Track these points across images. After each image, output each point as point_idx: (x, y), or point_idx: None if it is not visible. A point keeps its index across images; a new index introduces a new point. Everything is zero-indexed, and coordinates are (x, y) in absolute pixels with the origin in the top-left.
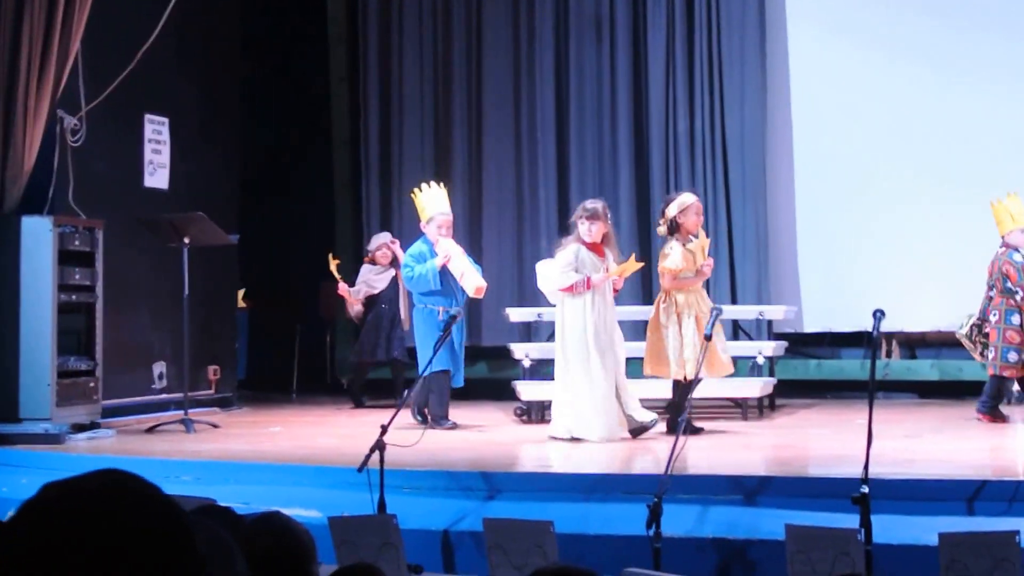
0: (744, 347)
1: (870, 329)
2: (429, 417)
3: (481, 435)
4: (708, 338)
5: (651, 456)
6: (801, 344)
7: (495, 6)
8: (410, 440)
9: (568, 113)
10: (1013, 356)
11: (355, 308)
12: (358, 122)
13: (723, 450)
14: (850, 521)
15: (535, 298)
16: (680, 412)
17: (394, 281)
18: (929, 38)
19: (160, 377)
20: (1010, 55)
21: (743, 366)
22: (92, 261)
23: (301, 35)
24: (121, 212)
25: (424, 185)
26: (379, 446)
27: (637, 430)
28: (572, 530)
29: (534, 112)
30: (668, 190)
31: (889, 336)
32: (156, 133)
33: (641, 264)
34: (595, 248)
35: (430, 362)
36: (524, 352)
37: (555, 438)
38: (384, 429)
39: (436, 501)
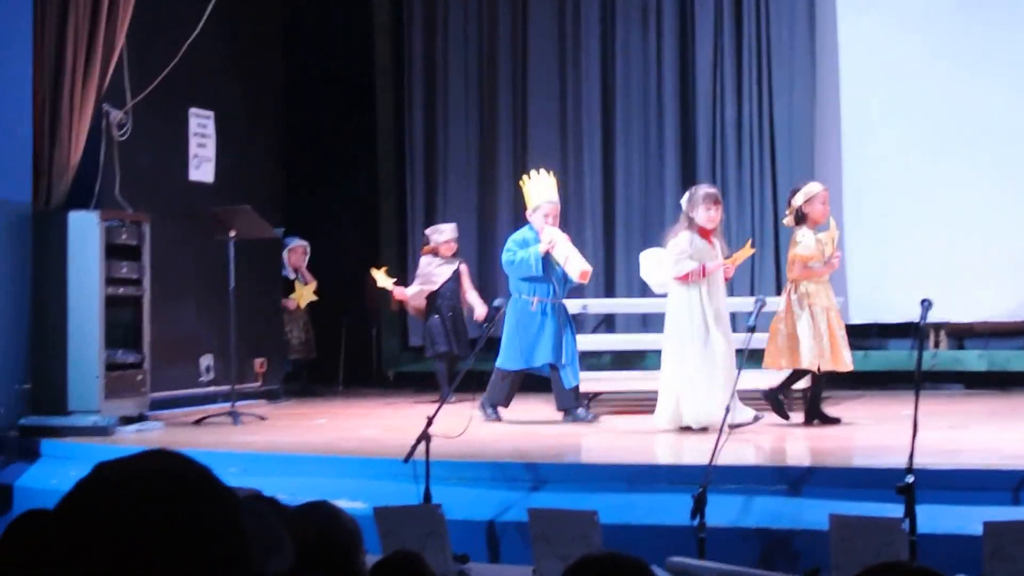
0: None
1: (917, 319)
2: (480, 402)
3: (525, 426)
4: (752, 329)
5: (695, 447)
6: (848, 335)
7: None
8: (455, 431)
9: (614, 102)
10: None
11: (415, 304)
12: (402, 114)
13: (768, 441)
14: (895, 511)
15: (580, 289)
16: (778, 396)
17: (456, 274)
18: (983, 25)
19: (207, 370)
20: None
21: None
22: (139, 255)
23: (345, 27)
24: (167, 205)
25: (533, 172)
26: (425, 437)
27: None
28: (616, 520)
29: (580, 102)
30: (714, 179)
31: (937, 326)
32: (201, 127)
33: (753, 250)
34: (705, 235)
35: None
36: None
37: (663, 430)
38: (430, 420)
39: (481, 492)
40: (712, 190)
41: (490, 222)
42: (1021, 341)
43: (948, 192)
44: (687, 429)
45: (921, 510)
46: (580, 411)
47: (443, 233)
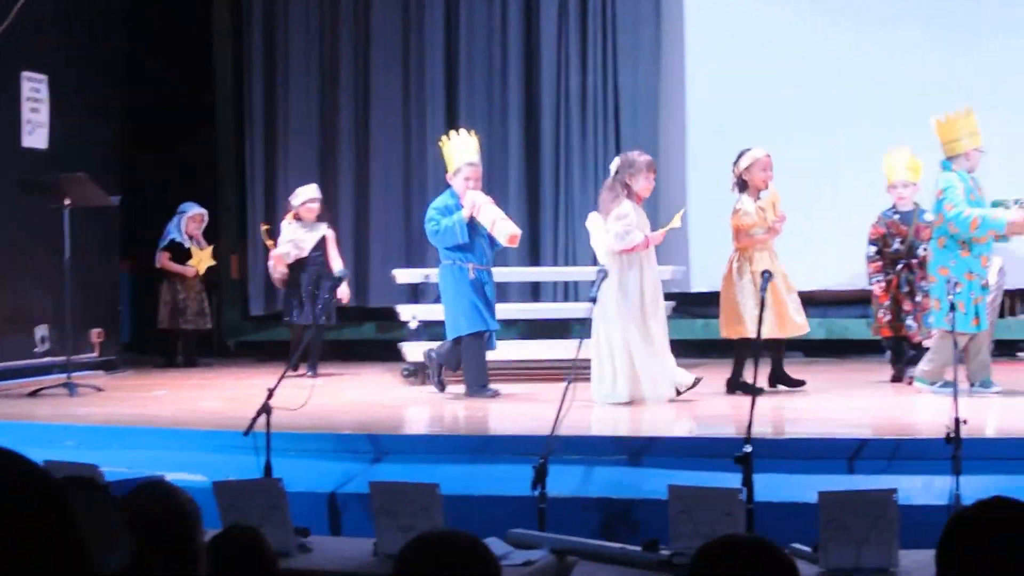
0: None
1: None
2: (465, 387)
3: (368, 397)
4: (593, 300)
5: (538, 417)
6: (689, 304)
7: None
8: (297, 402)
9: (458, 71)
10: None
11: (279, 270)
12: (241, 80)
13: (609, 411)
14: (733, 481)
15: (423, 259)
16: (739, 372)
17: (322, 240)
18: None
19: (42, 340)
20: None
21: None
22: None
23: None
24: None
25: (452, 132)
26: (265, 409)
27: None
28: (459, 491)
29: (423, 70)
30: (558, 149)
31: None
32: (34, 91)
33: (679, 224)
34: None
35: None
36: (411, 314)
37: (610, 403)
38: (271, 392)
39: (323, 464)
40: (650, 157)
41: (331, 188)
42: (859, 309)
43: (789, 162)
44: (627, 404)
45: (759, 479)
46: (490, 388)
47: (298, 196)
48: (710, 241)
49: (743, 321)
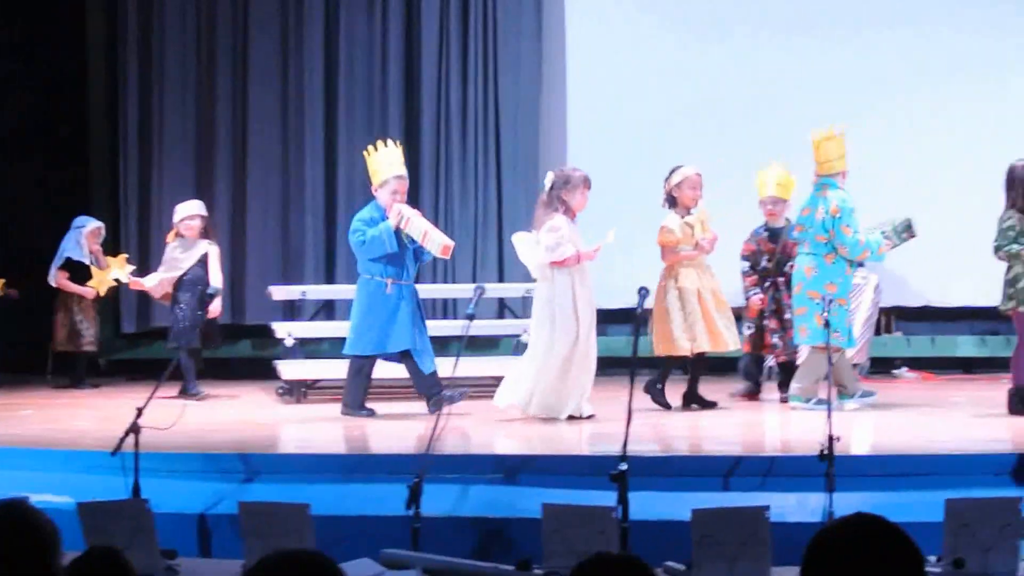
0: (510, 325)
1: (635, 306)
2: (342, 405)
3: (241, 415)
4: (471, 317)
5: (413, 436)
6: None
7: None
8: (167, 422)
9: (338, 86)
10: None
11: (159, 292)
12: (116, 94)
13: (486, 429)
14: (609, 499)
15: (300, 276)
16: (655, 386)
17: (203, 258)
18: (710, 6)
19: None
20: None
21: (507, 344)
22: None
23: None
24: None
25: (379, 144)
26: (134, 428)
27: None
28: (331, 512)
29: (302, 84)
30: (439, 163)
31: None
32: None
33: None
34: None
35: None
36: (287, 331)
37: (536, 417)
38: (139, 411)
39: (193, 484)
40: (585, 173)
41: (207, 204)
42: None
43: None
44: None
45: (634, 497)
46: (448, 392)
47: (177, 213)
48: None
49: (672, 338)
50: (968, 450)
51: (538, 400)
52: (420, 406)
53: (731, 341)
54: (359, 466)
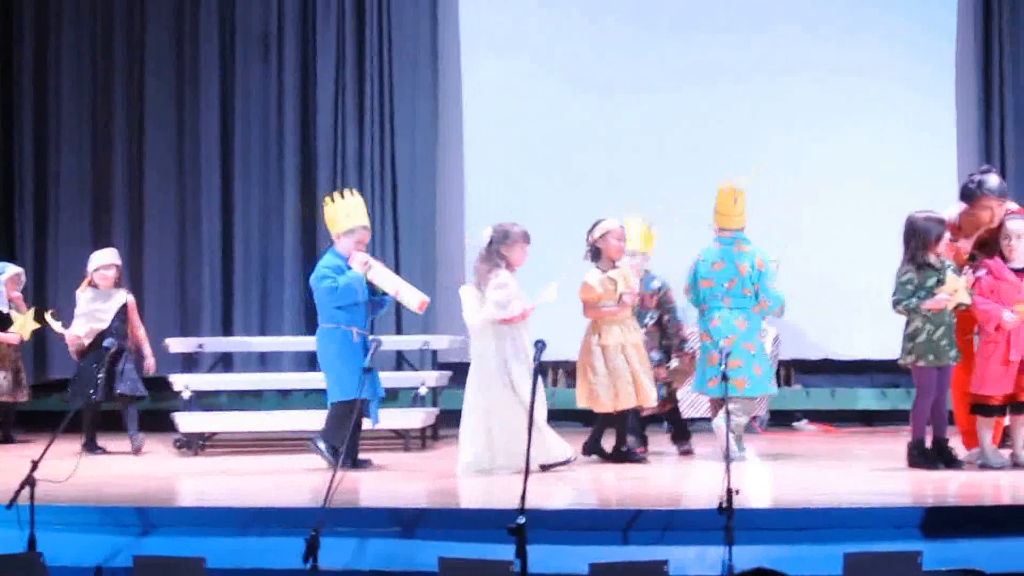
0: (407, 377)
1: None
2: (313, 439)
3: (138, 468)
4: (368, 371)
5: (311, 488)
6: (466, 374)
7: (158, 23)
8: (63, 474)
9: (233, 137)
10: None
11: (77, 345)
12: (11, 140)
13: (384, 482)
14: (507, 552)
15: (198, 328)
16: (622, 443)
17: (123, 308)
18: (600, 64)
19: None
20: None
21: (406, 396)
22: None
23: None
24: None
25: (342, 194)
26: (29, 481)
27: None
28: (227, 565)
29: (198, 134)
30: None
31: (555, 365)
32: None
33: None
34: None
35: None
36: (184, 383)
37: (479, 471)
38: (35, 464)
39: (89, 537)
40: (524, 228)
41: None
42: None
43: (566, 231)
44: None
45: (533, 551)
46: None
47: (92, 262)
48: None
49: (594, 395)
50: (868, 503)
51: (487, 455)
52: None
53: (654, 396)
54: (256, 519)
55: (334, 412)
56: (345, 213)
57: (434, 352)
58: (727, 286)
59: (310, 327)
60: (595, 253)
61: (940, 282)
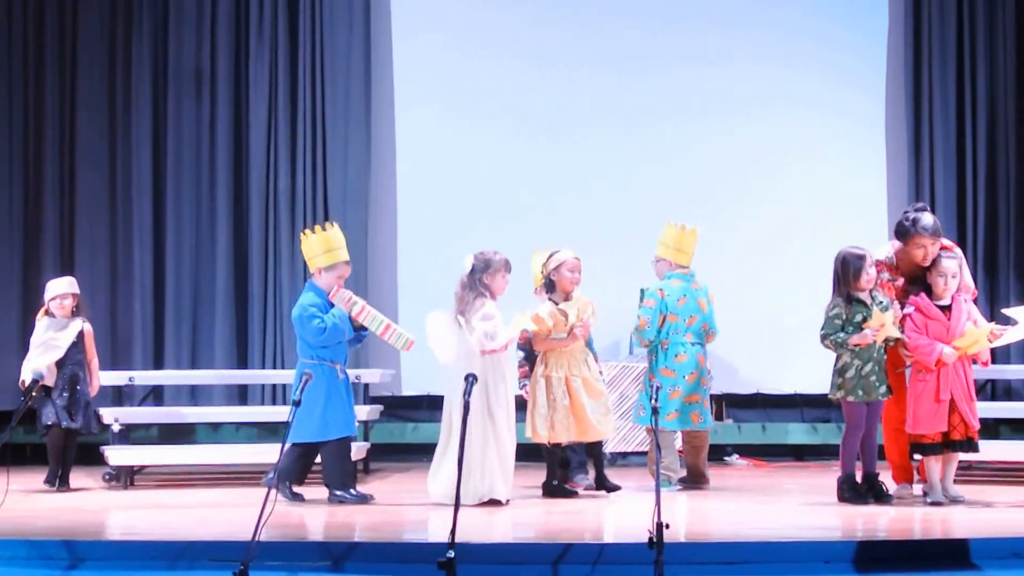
0: None
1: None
2: (329, 492)
3: (67, 501)
4: (297, 403)
5: (239, 522)
6: (398, 407)
7: (89, 57)
8: None
9: (165, 169)
10: None
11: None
12: None
13: (315, 515)
14: None
15: (128, 361)
16: (552, 477)
17: (79, 336)
18: (533, 97)
19: None
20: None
21: None
22: None
23: None
24: None
25: (321, 227)
26: None
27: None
28: None
29: (129, 168)
30: (267, 249)
31: None
32: None
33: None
34: None
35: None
36: (114, 416)
37: (465, 505)
38: None
39: (16, 571)
40: (506, 257)
41: (33, 291)
42: None
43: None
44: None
45: None
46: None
47: (48, 290)
48: (421, 344)
49: (533, 426)
50: (798, 538)
51: (486, 486)
52: (249, 491)
53: (605, 430)
54: (184, 553)
55: (329, 458)
56: (326, 248)
57: (366, 386)
58: (688, 322)
59: (241, 361)
60: (550, 285)
61: (868, 317)
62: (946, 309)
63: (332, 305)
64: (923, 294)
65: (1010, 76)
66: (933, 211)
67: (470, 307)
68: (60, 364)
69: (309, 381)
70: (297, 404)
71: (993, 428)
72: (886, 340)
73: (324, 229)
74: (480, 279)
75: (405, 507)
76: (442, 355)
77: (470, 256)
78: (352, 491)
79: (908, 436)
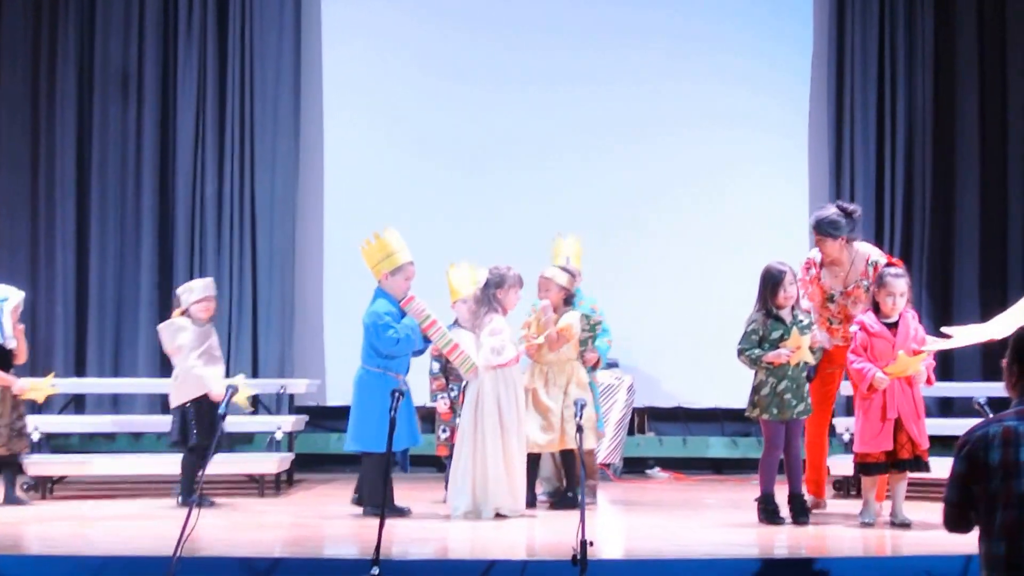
0: (263, 422)
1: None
2: (364, 507)
3: None
4: (223, 416)
5: (162, 535)
6: (323, 417)
7: (12, 59)
8: None
9: (90, 174)
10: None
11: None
12: None
13: (236, 530)
14: None
15: (48, 367)
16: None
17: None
18: (460, 113)
19: None
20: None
21: (261, 441)
22: None
23: None
24: None
25: (382, 232)
26: None
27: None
28: None
29: (53, 170)
30: (192, 256)
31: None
32: None
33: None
34: None
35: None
36: (34, 425)
37: (467, 516)
38: None
39: None
40: (519, 272)
41: None
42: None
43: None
44: (499, 516)
45: None
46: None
47: (194, 291)
48: (347, 353)
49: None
50: (717, 555)
51: (481, 500)
52: (169, 502)
53: (542, 443)
54: (105, 568)
55: (369, 471)
56: (387, 252)
57: (291, 396)
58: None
59: (164, 369)
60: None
61: (786, 336)
62: (892, 326)
63: (403, 314)
64: (870, 312)
65: (928, 94)
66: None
67: (480, 322)
68: None
69: (234, 394)
70: (223, 417)
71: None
72: (799, 363)
73: (383, 234)
74: (494, 294)
75: (329, 520)
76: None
77: (484, 270)
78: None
79: (855, 455)
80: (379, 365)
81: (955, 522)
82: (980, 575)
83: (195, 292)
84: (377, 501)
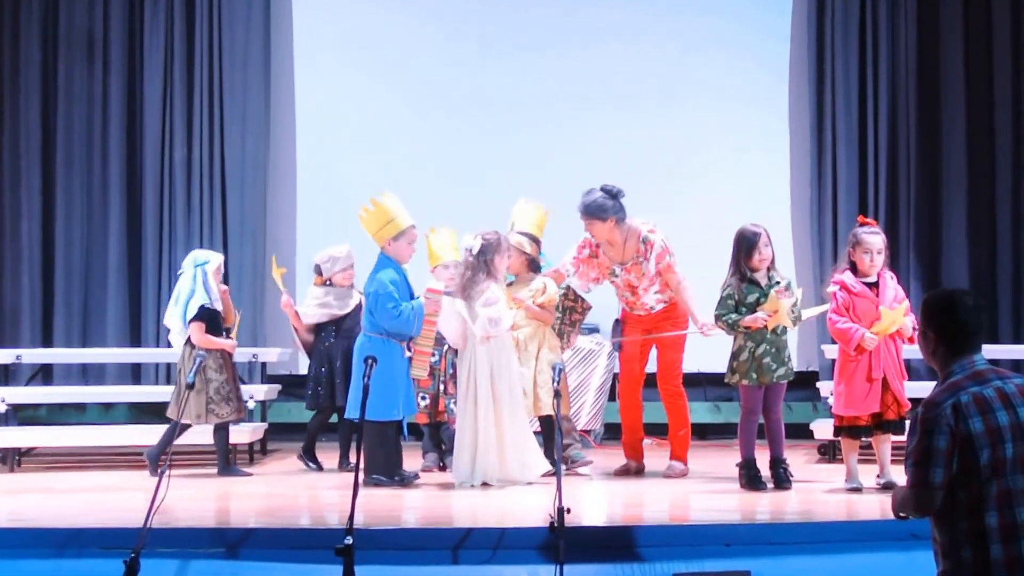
0: None
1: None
2: (365, 475)
3: None
4: (191, 386)
5: (131, 507)
6: (296, 386)
7: None
8: None
9: (55, 139)
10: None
11: (304, 335)
12: None
13: (208, 500)
14: (335, 573)
15: (16, 339)
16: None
17: (358, 308)
18: (437, 68)
19: None
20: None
21: None
22: None
23: None
24: None
25: (379, 197)
26: None
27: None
28: None
29: (17, 137)
30: (162, 223)
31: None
32: None
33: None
34: None
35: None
36: (0, 396)
37: (474, 485)
38: None
39: None
40: (508, 239)
41: None
42: None
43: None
44: (486, 485)
45: (361, 571)
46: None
47: (338, 261)
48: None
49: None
50: (698, 520)
51: (480, 469)
52: (141, 474)
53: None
54: (73, 540)
55: (371, 439)
56: (387, 219)
57: (263, 364)
58: None
59: (134, 338)
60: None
61: (762, 299)
62: (872, 286)
63: (407, 283)
64: (847, 271)
65: (911, 60)
66: (835, 193)
67: (473, 290)
68: (324, 331)
69: (202, 363)
70: (191, 387)
71: None
72: (776, 327)
73: (375, 202)
74: (490, 259)
75: (302, 491)
76: (450, 339)
77: (476, 237)
78: (398, 475)
79: (837, 418)
80: (379, 331)
81: (928, 504)
82: (946, 553)
83: (340, 262)
84: (378, 470)
